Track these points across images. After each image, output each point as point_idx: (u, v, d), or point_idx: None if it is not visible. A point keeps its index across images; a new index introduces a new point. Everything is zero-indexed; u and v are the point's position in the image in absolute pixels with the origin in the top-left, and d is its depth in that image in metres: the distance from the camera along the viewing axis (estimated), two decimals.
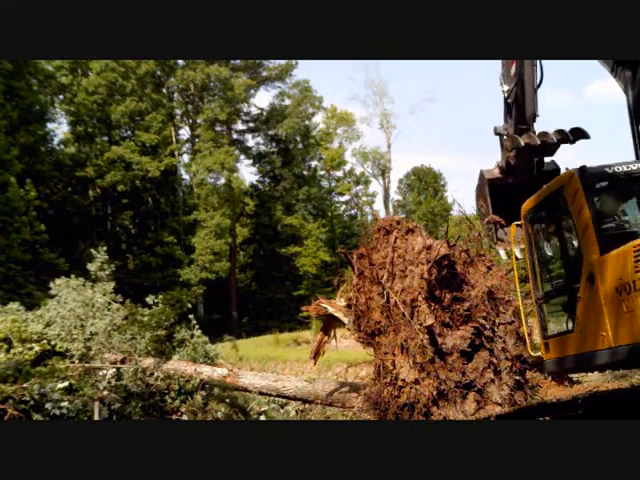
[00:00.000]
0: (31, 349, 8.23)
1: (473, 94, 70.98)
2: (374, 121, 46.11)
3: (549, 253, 5.02)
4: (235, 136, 41.55)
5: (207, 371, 8.08)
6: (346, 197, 48.21)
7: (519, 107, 6.15)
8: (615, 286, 3.89)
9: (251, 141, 43.11)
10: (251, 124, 42.22)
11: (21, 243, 24.35)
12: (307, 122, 42.20)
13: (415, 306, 5.34)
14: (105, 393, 7.33)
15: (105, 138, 35.06)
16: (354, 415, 6.23)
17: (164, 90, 38.57)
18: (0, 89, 25.17)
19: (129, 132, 35.98)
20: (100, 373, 7.81)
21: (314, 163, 45.28)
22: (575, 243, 4.47)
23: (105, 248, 10.90)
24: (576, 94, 68.77)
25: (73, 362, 8.27)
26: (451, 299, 5.45)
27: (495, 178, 6.76)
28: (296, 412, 8.54)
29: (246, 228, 41.28)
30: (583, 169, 4.24)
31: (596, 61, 4.87)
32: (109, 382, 7.62)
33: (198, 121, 38.23)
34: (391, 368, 5.31)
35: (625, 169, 4.11)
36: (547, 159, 6.61)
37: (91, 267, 9.97)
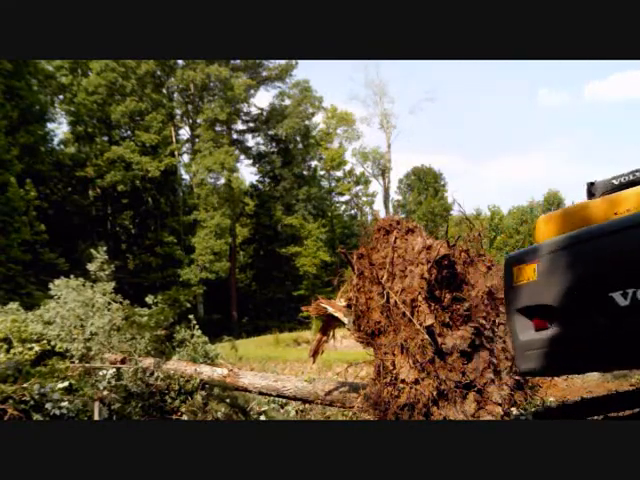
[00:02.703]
0: (31, 349, 8.23)
1: (473, 94, 71.04)
2: (374, 121, 46.20)
3: None
4: (235, 136, 41.58)
5: (207, 371, 8.07)
6: (346, 197, 48.28)
7: None
8: None
9: (251, 141, 43.15)
10: (251, 124, 42.25)
11: (21, 243, 24.35)
12: (307, 122, 42.22)
13: (415, 306, 5.34)
14: (105, 393, 7.32)
15: (105, 138, 35.09)
16: (354, 415, 6.23)
17: (164, 90, 38.57)
18: (0, 89, 25.18)
19: (129, 132, 36.00)
20: (100, 373, 7.80)
21: (314, 163, 45.33)
22: None
23: (105, 248, 10.90)
24: (575, 94, 68.89)
25: (73, 362, 8.26)
26: (451, 299, 5.44)
27: None
28: (296, 412, 8.53)
29: (246, 228, 41.31)
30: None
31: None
32: (109, 382, 7.60)
33: (198, 121, 38.24)
34: (391, 368, 5.31)
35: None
36: None
37: (91, 267, 9.96)
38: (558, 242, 2.83)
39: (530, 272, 2.84)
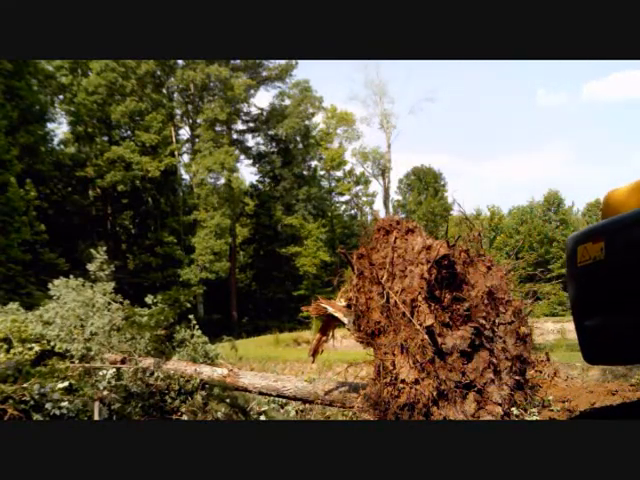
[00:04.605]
0: (31, 349, 8.23)
1: (473, 94, 71.06)
2: (374, 121, 46.30)
3: None
4: (235, 136, 41.60)
5: (207, 371, 8.07)
6: (346, 197, 48.32)
7: None
8: None
9: (251, 141, 43.22)
10: (251, 124, 42.29)
11: (21, 243, 24.37)
12: (307, 122, 42.25)
13: (415, 306, 5.33)
14: (105, 393, 7.32)
15: (105, 138, 35.09)
16: (354, 415, 6.22)
17: (164, 90, 38.60)
18: (0, 89, 25.19)
19: (129, 132, 36.01)
20: (100, 373, 7.80)
21: (314, 163, 45.37)
22: None
23: (105, 248, 10.91)
24: (573, 94, 68.93)
25: (73, 362, 8.27)
26: (451, 299, 5.44)
27: None
28: (296, 412, 8.53)
29: (246, 228, 41.36)
30: None
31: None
32: (109, 382, 7.61)
33: (198, 121, 38.25)
34: (391, 368, 5.30)
35: None
36: None
37: (91, 267, 9.97)
38: (630, 217, 2.53)
39: (597, 251, 2.57)
